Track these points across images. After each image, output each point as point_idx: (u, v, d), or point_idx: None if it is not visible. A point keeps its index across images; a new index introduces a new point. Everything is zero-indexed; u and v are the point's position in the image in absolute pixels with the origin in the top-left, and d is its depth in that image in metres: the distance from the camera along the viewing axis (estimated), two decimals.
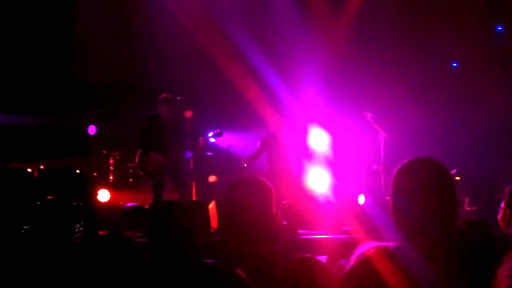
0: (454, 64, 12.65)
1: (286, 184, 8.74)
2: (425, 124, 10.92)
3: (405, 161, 2.14)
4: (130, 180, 9.50)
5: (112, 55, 10.57)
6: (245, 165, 10.62)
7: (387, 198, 2.01)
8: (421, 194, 2.01)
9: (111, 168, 9.64)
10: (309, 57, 11.52)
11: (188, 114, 10.40)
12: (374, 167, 9.01)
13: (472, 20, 11.65)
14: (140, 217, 6.91)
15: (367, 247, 1.62)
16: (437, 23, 11.44)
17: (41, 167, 8.67)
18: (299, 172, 9.40)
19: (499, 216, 3.15)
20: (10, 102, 9.82)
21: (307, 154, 9.65)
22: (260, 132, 10.62)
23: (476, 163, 8.92)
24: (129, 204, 7.44)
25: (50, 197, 6.31)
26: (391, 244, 1.63)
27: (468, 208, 8.54)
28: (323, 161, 9.72)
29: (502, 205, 3.16)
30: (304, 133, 9.85)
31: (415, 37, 11.54)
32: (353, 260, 1.63)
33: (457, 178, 8.99)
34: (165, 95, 8.10)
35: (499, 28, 12.30)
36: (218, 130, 8.16)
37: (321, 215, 7.92)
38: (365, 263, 1.57)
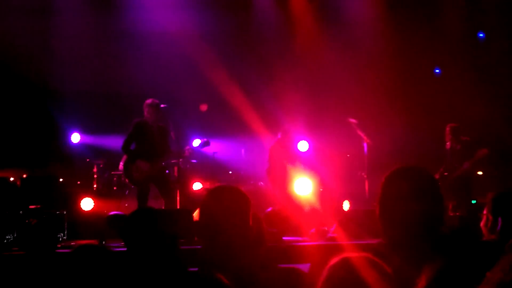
0: (437, 71, 12.74)
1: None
2: (409, 131, 10.98)
3: (393, 168, 2.14)
4: (114, 188, 9.44)
5: (95, 63, 10.53)
6: (230, 172, 10.61)
7: (374, 205, 2.03)
8: (408, 201, 2.02)
9: (95, 176, 9.57)
10: (294, 64, 11.56)
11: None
12: (358, 173, 9.03)
13: (454, 26, 11.77)
14: (124, 225, 6.85)
15: (338, 258, 1.63)
16: (420, 30, 11.53)
17: (24, 176, 8.59)
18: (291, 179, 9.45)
19: (482, 223, 3.16)
20: None
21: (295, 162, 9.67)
22: (244, 139, 10.62)
23: (453, 169, 9.01)
24: (112, 213, 7.39)
25: (33, 206, 6.25)
26: (364, 254, 1.63)
27: (452, 214, 8.60)
28: (307, 168, 9.74)
29: (485, 211, 3.17)
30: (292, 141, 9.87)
31: (398, 44, 11.62)
32: (326, 271, 1.63)
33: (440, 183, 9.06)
34: (151, 100, 8.06)
35: (481, 35, 12.43)
36: (205, 140, 8.11)
37: (306, 222, 7.92)
38: (337, 274, 1.57)
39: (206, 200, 2.47)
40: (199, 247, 6.11)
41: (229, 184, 2.62)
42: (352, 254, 1.63)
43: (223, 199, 2.42)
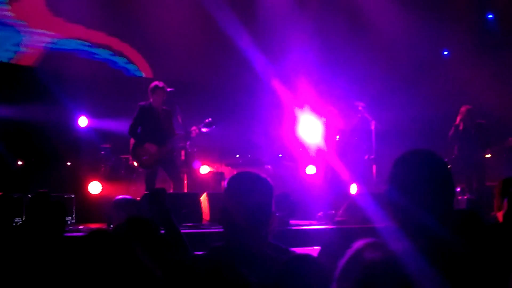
0: (445, 53, 12.64)
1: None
2: (416, 114, 10.92)
3: (402, 152, 2.12)
4: (122, 172, 9.45)
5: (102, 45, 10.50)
6: (237, 155, 10.61)
7: (383, 188, 2.01)
8: (418, 186, 2.00)
9: (103, 160, 9.59)
10: (301, 46, 11.49)
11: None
12: (366, 157, 9.00)
13: (463, 7, 11.65)
14: (132, 209, 6.87)
15: (358, 243, 1.61)
16: (428, 11, 11.42)
17: (32, 159, 8.62)
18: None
19: (495, 206, 3.15)
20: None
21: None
22: (253, 122, 10.57)
23: (466, 151, 8.96)
24: (120, 196, 7.40)
25: (40, 190, 6.27)
26: (381, 240, 1.62)
27: (460, 197, 8.57)
28: (315, 151, 9.72)
29: (495, 198, 3.15)
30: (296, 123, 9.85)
31: (407, 25, 11.52)
32: (346, 257, 1.62)
33: (449, 166, 9.03)
34: (156, 83, 8.04)
35: (490, 16, 12.30)
36: (209, 119, 8.10)
37: (313, 206, 7.92)
38: (357, 259, 1.56)
39: (232, 184, 2.49)
40: (206, 230, 6.11)
41: (246, 169, 2.66)
42: (372, 240, 1.61)
43: (250, 185, 2.45)
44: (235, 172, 9.75)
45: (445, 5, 11.72)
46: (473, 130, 8.95)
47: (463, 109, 9.06)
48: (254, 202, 2.41)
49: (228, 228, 2.47)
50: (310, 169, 9.43)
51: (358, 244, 1.64)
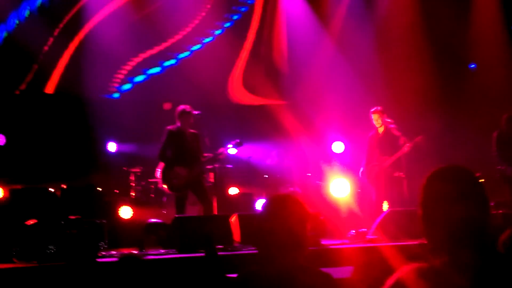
0: (472, 66, 12.51)
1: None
2: (446, 129, 10.80)
3: (435, 168, 2.09)
4: (152, 196, 9.51)
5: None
6: (266, 176, 10.59)
7: (416, 206, 1.97)
8: (452, 203, 1.96)
9: (132, 184, 9.66)
10: (329, 66, 11.51)
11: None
12: (396, 174, 8.89)
13: (488, 21, 11.56)
14: (163, 233, 6.93)
15: (402, 271, 1.59)
16: (454, 26, 11.35)
17: (64, 186, 8.73)
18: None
19: None
20: (28, 122, 9.89)
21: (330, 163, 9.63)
22: (280, 142, 10.56)
23: (503, 164, 8.77)
24: (151, 220, 7.45)
25: (73, 216, 6.34)
26: (424, 264, 1.58)
27: (494, 212, 8.39)
28: (344, 169, 9.67)
29: None
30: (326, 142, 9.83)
31: (433, 40, 11.46)
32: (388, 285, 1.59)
33: (482, 180, 8.85)
34: (183, 107, 8.11)
35: None
36: (238, 140, 8.14)
37: (344, 225, 7.87)
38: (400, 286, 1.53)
39: (265, 208, 2.55)
40: (237, 252, 6.10)
41: (284, 192, 2.72)
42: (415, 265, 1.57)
43: (286, 208, 2.49)
44: (263, 193, 9.77)
45: (472, 18, 11.64)
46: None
47: (504, 117, 8.84)
48: (289, 225, 2.45)
49: (263, 251, 2.50)
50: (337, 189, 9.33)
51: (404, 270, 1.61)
